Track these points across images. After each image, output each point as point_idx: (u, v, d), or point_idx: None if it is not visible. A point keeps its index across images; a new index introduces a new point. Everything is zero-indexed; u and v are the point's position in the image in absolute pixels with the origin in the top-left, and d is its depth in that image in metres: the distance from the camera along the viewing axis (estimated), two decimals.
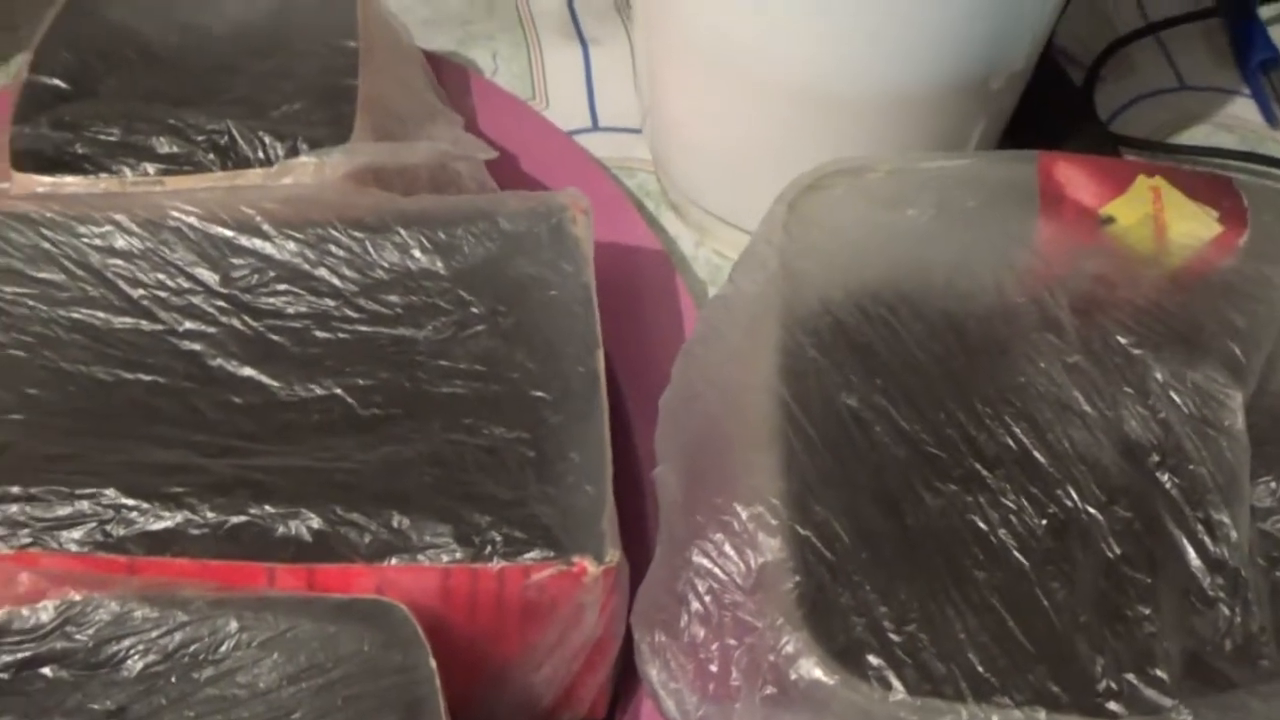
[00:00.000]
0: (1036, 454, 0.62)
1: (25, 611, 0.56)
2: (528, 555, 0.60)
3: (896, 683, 0.55)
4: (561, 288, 0.70)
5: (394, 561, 0.60)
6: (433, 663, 0.58)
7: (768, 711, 0.56)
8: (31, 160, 0.73)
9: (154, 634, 0.57)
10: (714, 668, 0.58)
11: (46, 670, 0.56)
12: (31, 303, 0.67)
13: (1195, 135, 1.00)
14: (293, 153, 0.74)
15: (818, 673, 0.55)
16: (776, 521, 0.58)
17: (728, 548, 0.58)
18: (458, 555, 0.60)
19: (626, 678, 0.70)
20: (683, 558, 0.59)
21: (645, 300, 0.81)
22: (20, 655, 0.56)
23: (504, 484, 0.63)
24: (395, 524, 0.60)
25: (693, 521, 0.59)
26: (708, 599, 0.58)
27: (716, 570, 0.58)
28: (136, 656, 0.57)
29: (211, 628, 0.57)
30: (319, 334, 0.68)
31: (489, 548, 0.60)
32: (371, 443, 0.64)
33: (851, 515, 0.59)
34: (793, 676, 0.55)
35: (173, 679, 0.56)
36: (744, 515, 0.58)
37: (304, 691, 0.57)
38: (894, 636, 0.56)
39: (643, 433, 0.73)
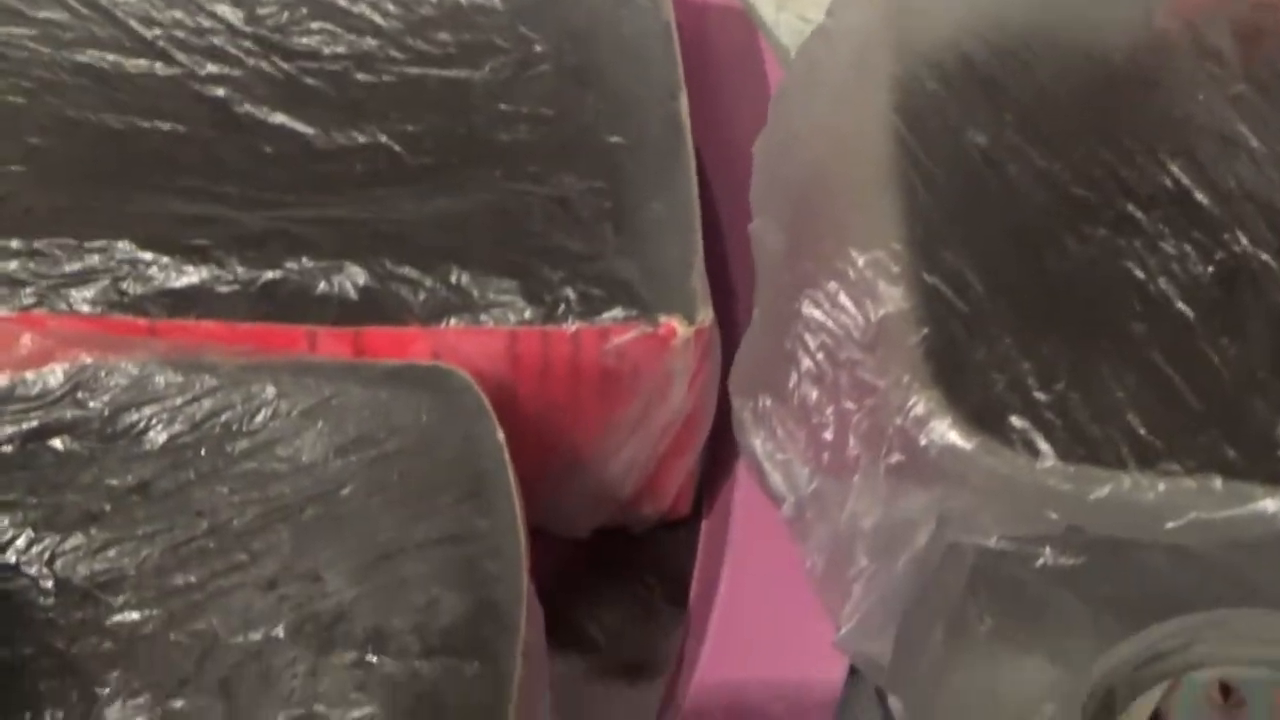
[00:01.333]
0: (1198, 194, 0.53)
1: (30, 376, 0.49)
2: (607, 315, 0.52)
3: (1045, 446, 0.47)
4: (635, 26, 0.61)
5: (453, 323, 0.52)
6: (500, 434, 0.50)
7: (893, 483, 0.48)
8: None
9: (179, 401, 0.49)
10: (828, 435, 0.50)
11: (56, 442, 0.48)
12: (32, 45, 0.59)
13: None
14: None
15: (953, 436, 0.47)
16: (898, 268, 0.50)
17: (843, 298, 0.50)
18: (526, 315, 0.52)
19: (712, 470, 0.62)
20: (790, 310, 0.50)
21: (722, 58, 0.72)
22: (26, 425, 0.48)
23: (578, 237, 0.54)
24: (454, 279, 0.52)
25: (801, 270, 0.50)
26: (820, 356, 0.50)
27: (830, 324, 0.50)
28: (159, 426, 0.49)
29: (245, 394, 0.49)
30: (360, 77, 0.59)
31: (562, 306, 0.52)
32: (424, 193, 0.55)
33: (985, 262, 0.51)
34: (923, 442, 0.47)
35: (202, 451, 0.49)
36: (861, 262, 0.50)
37: (353, 465, 0.49)
38: (1039, 395, 0.48)
39: (722, 196, 0.64)
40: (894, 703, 0.57)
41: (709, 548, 0.62)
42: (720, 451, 0.62)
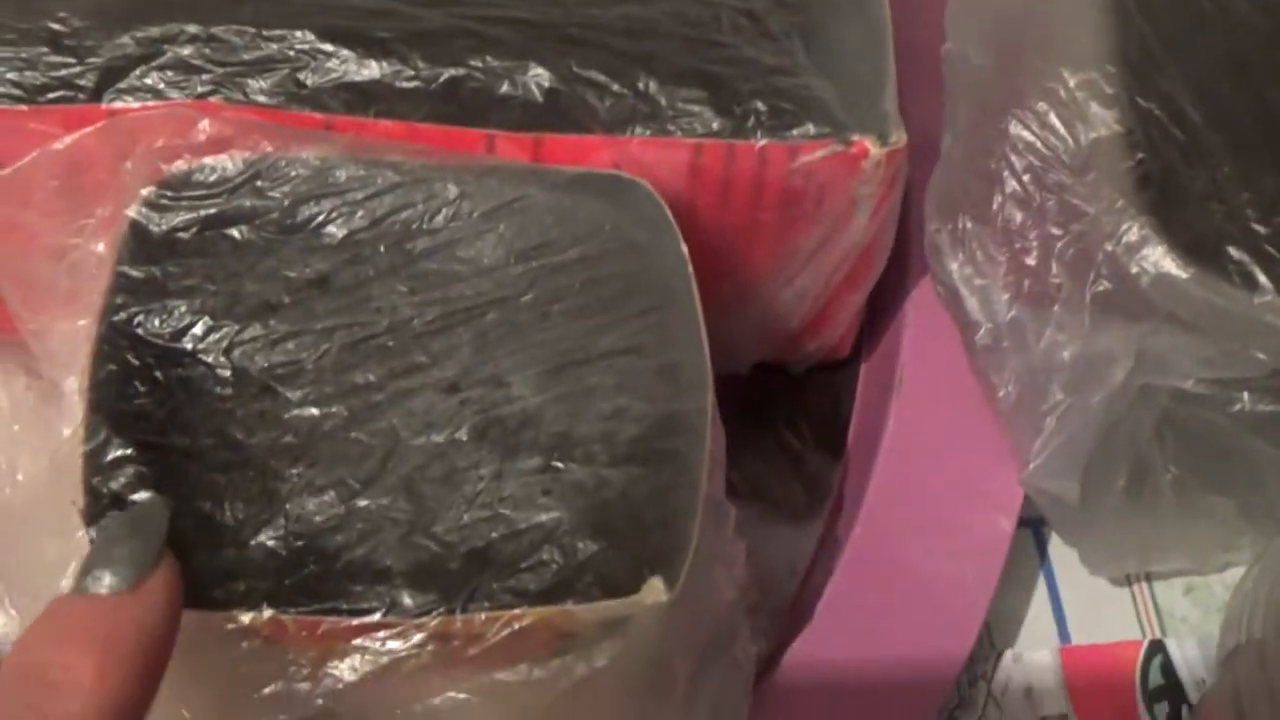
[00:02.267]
0: None
1: (210, 162, 0.47)
2: (797, 130, 0.50)
3: (1265, 280, 0.45)
4: None
5: (638, 131, 0.50)
6: (684, 248, 0.48)
7: (1097, 312, 0.46)
8: None
9: (360, 195, 0.48)
10: (1031, 260, 0.47)
11: (234, 231, 0.47)
12: None
13: None
14: None
15: (1168, 264, 0.45)
16: (1112, 90, 0.47)
17: (1052, 118, 0.47)
18: (714, 127, 0.50)
19: (875, 314, 0.61)
20: (995, 131, 0.48)
21: None
22: (203, 212, 0.47)
23: (767, 51, 0.52)
24: (642, 86, 0.50)
25: (1006, 89, 0.48)
26: (1026, 178, 0.48)
27: (1038, 144, 0.47)
28: (340, 220, 0.47)
29: (427, 192, 0.48)
30: None
31: (751, 119, 0.50)
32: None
33: (1202, 89, 0.48)
34: (1134, 270, 0.45)
35: (381, 248, 0.47)
36: (1072, 82, 0.47)
37: (535, 271, 0.47)
38: (1259, 228, 0.46)
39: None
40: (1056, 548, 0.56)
41: (870, 390, 0.60)
42: (882, 293, 0.60)
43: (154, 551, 0.38)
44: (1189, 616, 0.55)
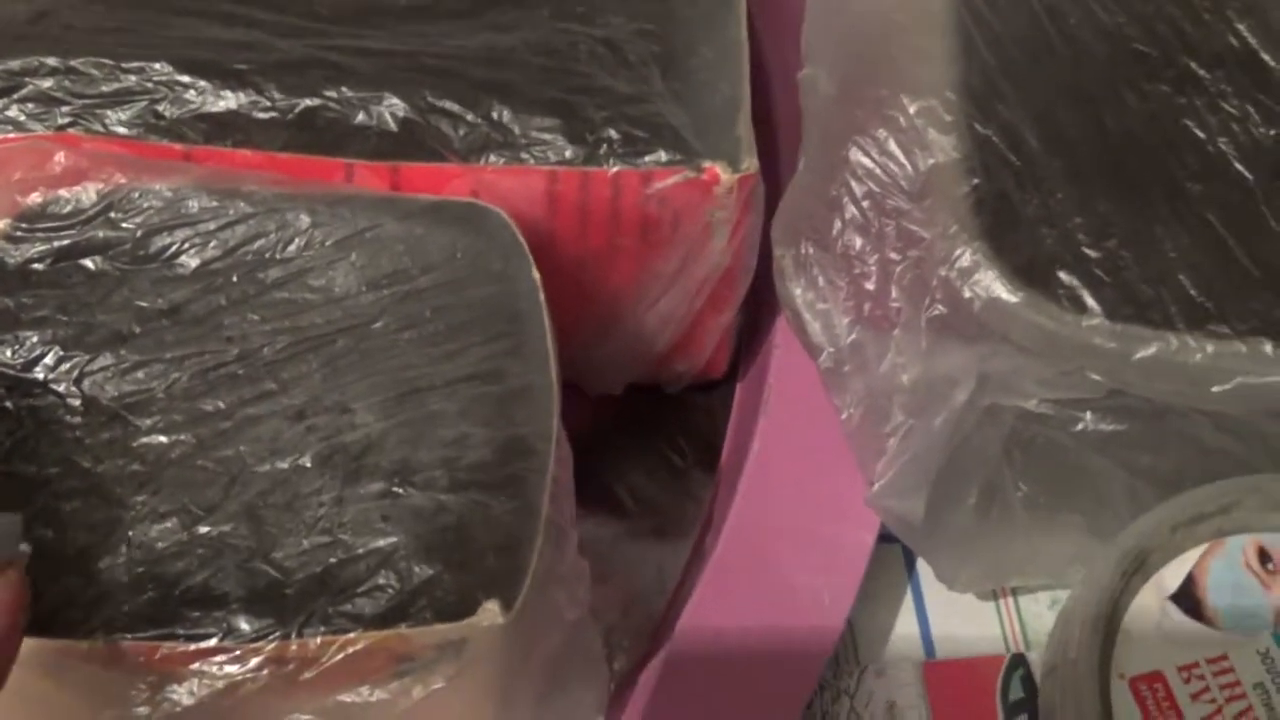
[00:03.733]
0: (1265, 55, 0.51)
1: (64, 194, 0.48)
2: (649, 158, 0.51)
3: (1092, 303, 0.46)
4: None
5: (492, 160, 0.51)
6: (536, 274, 0.49)
7: (934, 336, 0.47)
8: None
9: (212, 226, 0.48)
10: (870, 285, 0.48)
11: (88, 261, 0.48)
12: None
13: None
14: None
15: (999, 289, 0.46)
16: (951, 118, 0.48)
17: (892, 145, 0.48)
18: (567, 155, 0.51)
19: (751, 332, 0.62)
20: (838, 157, 0.49)
21: None
22: (57, 244, 0.48)
23: (624, 79, 0.53)
24: (495, 115, 0.51)
25: (850, 117, 0.49)
26: (866, 204, 0.48)
27: (878, 171, 0.48)
28: (192, 251, 0.48)
29: (279, 222, 0.49)
30: None
31: (604, 147, 0.51)
32: (468, 29, 0.54)
33: (1040, 115, 0.49)
34: (967, 294, 0.46)
35: (234, 278, 0.48)
36: (912, 110, 0.48)
37: (386, 299, 0.48)
38: (1090, 252, 0.47)
39: (765, 45, 0.63)
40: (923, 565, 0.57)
41: (743, 409, 0.61)
42: (759, 313, 0.61)
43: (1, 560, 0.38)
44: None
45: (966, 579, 0.54)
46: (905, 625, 0.57)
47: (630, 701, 0.51)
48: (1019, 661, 0.55)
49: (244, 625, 0.42)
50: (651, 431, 0.63)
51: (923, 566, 0.58)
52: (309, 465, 0.45)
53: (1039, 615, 0.57)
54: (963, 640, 0.57)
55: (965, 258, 0.46)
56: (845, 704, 0.55)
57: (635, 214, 0.52)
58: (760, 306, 0.60)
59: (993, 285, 0.46)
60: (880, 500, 0.50)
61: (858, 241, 0.48)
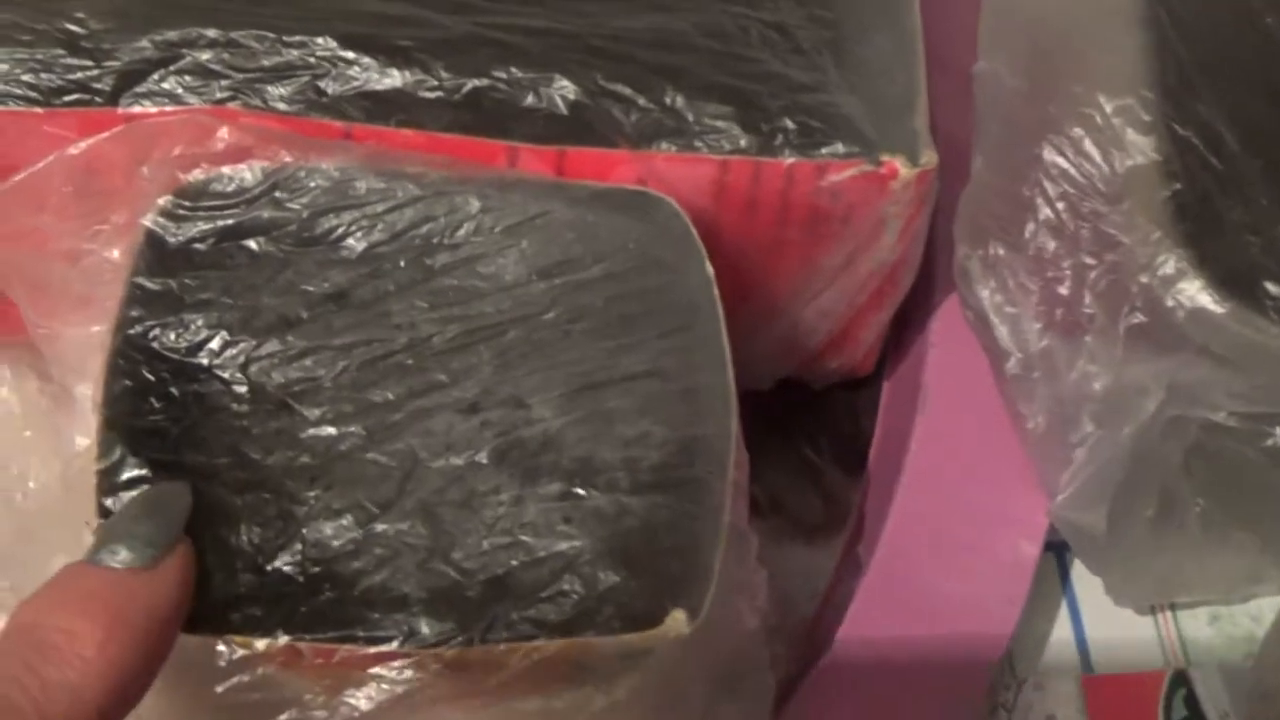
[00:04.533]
0: None
1: (228, 171, 0.46)
2: (826, 150, 0.49)
3: None
4: None
5: (664, 147, 0.49)
6: (709, 267, 0.47)
7: (1130, 345, 0.45)
8: None
9: (380, 208, 0.47)
10: (1064, 289, 0.46)
11: (252, 243, 0.46)
12: None
13: None
14: None
15: (1204, 299, 0.44)
16: (1149, 117, 0.46)
17: (1088, 145, 0.46)
18: (742, 144, 0.49)
19: (899, 327, 0.60)
20: (1028, 155, 0.47)
21: None
22: (221, 223, 0.46)
23: (797, 66, 0.51)
24: (668, 100, 0.49)
25: (1040, 114, 0.47)
26: (1060, 206, 0.47)
27: (1073, 171, 0.46)
28: (359, 234, 0.46)
29: (448, 206, 0.47)
30: None
31: (780, 137, 0.49)
32: (631, 9, 0.52)
33: (1239, 117, 0.47)
34: (1170, 303, 0.44)
35: (401, 263, 0.46)
36: (1109, 108, 0.46)
37: (558, 289, 0.46)
38: None
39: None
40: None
41: (892, 409, 0.59)
42: (908, 311, 0.59)
43: (172, 534, 0.38)
44: (1213, 646, 0.55)
45: (1136, 594, 0.52)
46: (1061, 637, 0.55)
47: (788, 714, 0.50)
48: (1181, 679, 0.53)
49: (425, 629, 0.40)
50: (791, 430, 0.61)
51: (1078, 576, 0.56)
52: (485, 462, 0.43)
53: (1199, 630, 0.56)
54: (1120, 652, 0.55)
55: (1169, 265, 0.44)
56: (1003, 717, 0.53)
57: (806, 207, 0.50)
58: (908, 302, 0.58)
59: (1198, 295, 0.44)
60: (1063, 511, 0.48)
61: (1051, 244, 0.46)
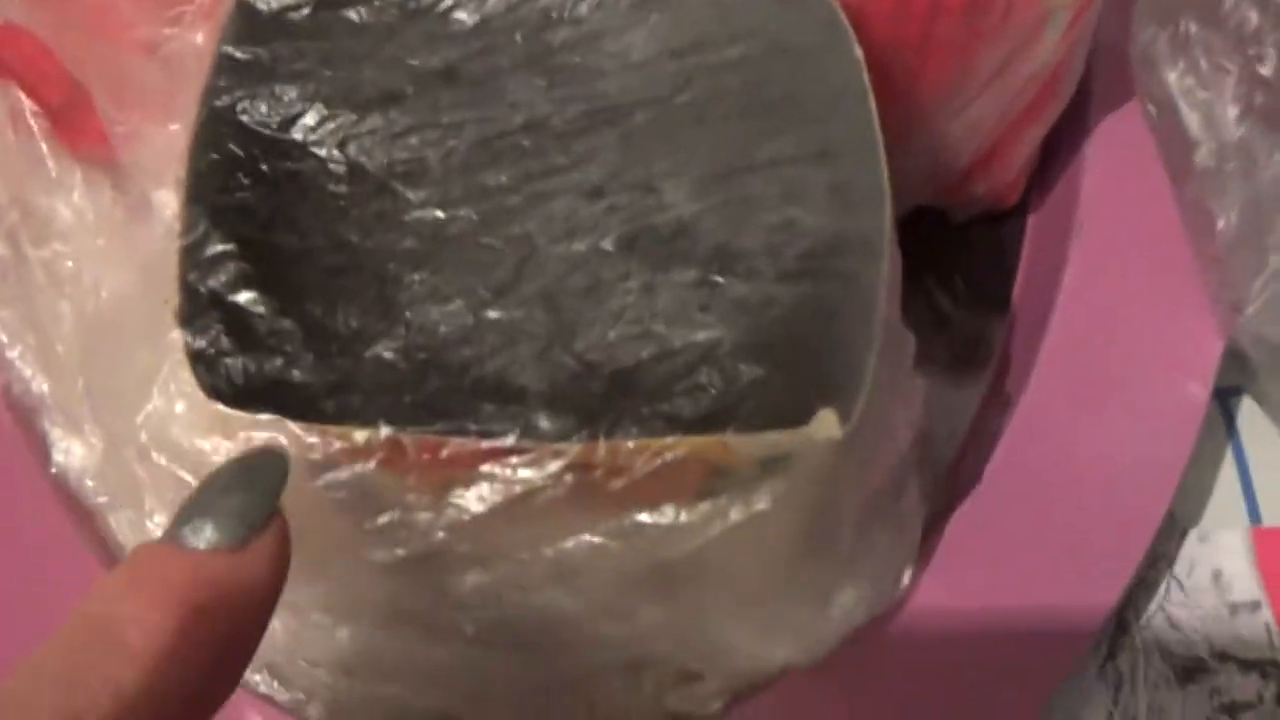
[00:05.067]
0: None
1: None
2: None
3: None
4: None
5: None
6: (858, 50, 0.42)
7: None
8: None
9: None
10: (1266, 70, 0.41)
11: (352, 12, 0.42)
12: None
13: None
14: None
15: None
16: None
17: None
18: None
19: (1049, 158, 0.54)
20: None
21: None
22: None
23: None
24: None
25: None
26: None
27: None
28: (471, 5, 0.42)
29: None
30: None
31: None
32: None
33: None
34: None
35: (517, 37, 0.42)
36: None
37: (690, 69, 0.42)
38: None
39: None
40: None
41: (1038, 243, 0.54)
42: (1056, 138, 0.54)
43: (267, 508, 0.31)
44: None
45: None
46: (1227, 488, 0.50)
47: (935, 553, 0.45)
48: None
49: (544, 423, 0.36)
50: (922, 268, 0.56)
51: (1245, 423, 0.51)
52: (611, 248, 0.39)
53: None
54: None
55: None
56: (1163, 570, 0.48)
57: None
58: (1056, 128, 0.53)
59: None
60: (1254, 325, 0.43)
61: (1254, 18, 0.41)
